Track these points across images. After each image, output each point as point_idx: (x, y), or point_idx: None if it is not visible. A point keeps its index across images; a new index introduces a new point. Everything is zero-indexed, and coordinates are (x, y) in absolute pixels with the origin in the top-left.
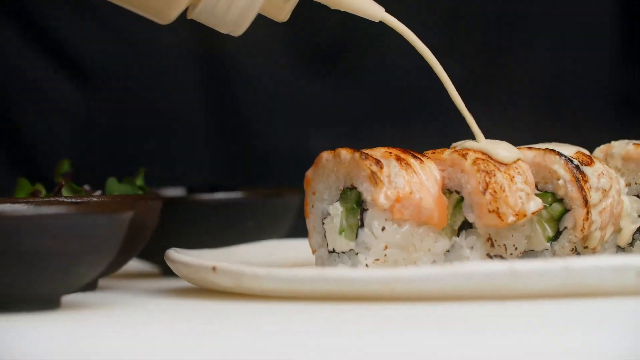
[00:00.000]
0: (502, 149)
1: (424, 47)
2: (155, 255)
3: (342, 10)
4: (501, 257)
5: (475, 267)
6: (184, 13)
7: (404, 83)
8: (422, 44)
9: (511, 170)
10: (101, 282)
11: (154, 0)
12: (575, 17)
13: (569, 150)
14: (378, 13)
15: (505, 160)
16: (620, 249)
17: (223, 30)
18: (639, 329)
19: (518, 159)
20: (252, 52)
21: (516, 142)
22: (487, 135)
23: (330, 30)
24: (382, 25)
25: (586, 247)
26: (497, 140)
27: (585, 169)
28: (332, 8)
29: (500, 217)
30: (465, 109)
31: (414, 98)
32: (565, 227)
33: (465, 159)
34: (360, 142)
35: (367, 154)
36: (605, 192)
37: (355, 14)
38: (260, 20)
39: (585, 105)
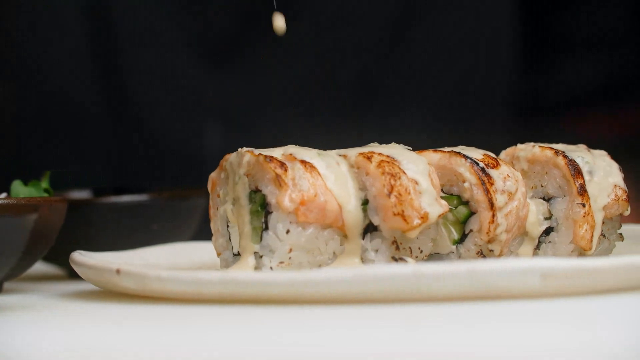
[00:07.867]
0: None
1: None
2: (60, 257)
3: None
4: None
5: (381, 270)
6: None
7: (304, 77)
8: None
9: (417, 173)
10: (6, 285)
11: None
12: (476, 22)
13: (475, 153)
14: None
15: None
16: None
17: None
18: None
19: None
20: (149, 44)
21: (420, 146)
22: (391, 140)
23: (227, 22)
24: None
25: (492, 250)
26: (402, 145)
27: (491, 171)
28: None
29: (405, 220)
30: None
31: (314, 92)
32: (471, 230)
33: (370, 162)
34: (258, 138)
35: (272, 157)
36: (511, 195)
37: None
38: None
39: (488, 110)
